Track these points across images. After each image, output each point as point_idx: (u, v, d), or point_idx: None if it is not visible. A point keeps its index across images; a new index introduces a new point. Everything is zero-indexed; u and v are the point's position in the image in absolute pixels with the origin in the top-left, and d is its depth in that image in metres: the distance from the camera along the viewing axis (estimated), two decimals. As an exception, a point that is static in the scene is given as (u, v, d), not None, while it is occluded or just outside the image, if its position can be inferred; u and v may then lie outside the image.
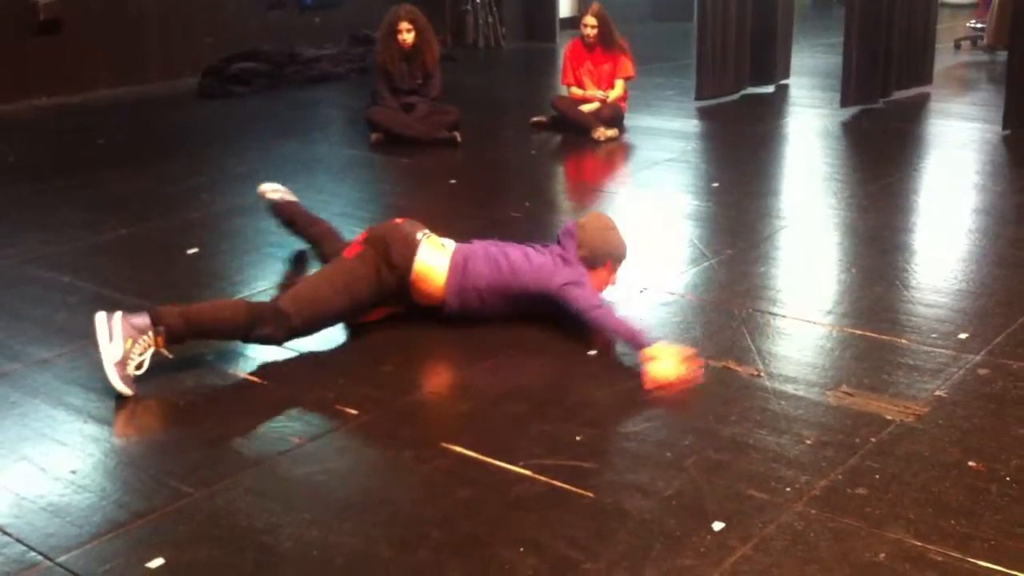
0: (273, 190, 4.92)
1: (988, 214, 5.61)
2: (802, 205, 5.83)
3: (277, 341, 3.79)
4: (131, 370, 3.51)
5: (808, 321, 4.09)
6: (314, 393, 3.55)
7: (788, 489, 2.92)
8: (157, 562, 2.63)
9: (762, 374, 3.62)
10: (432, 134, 7.16)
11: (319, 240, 4.57)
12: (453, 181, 6.43)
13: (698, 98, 8.52)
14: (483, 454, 3.12)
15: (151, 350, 3.57)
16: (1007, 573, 2.56)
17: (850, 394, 3.46)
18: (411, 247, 3.96)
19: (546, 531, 2.74)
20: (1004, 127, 7.31)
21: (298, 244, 4.84)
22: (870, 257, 4.91)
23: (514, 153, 7.29)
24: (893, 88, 8.50)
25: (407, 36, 7.12)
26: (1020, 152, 6.91)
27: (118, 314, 3.56)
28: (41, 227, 5.41)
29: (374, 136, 7.23)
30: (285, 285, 4.41)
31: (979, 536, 2.70)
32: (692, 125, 7.99)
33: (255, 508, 2.87)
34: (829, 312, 4.19)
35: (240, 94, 9.15)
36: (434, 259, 3.98)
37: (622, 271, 4.22)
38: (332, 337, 3.94)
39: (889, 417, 3.30)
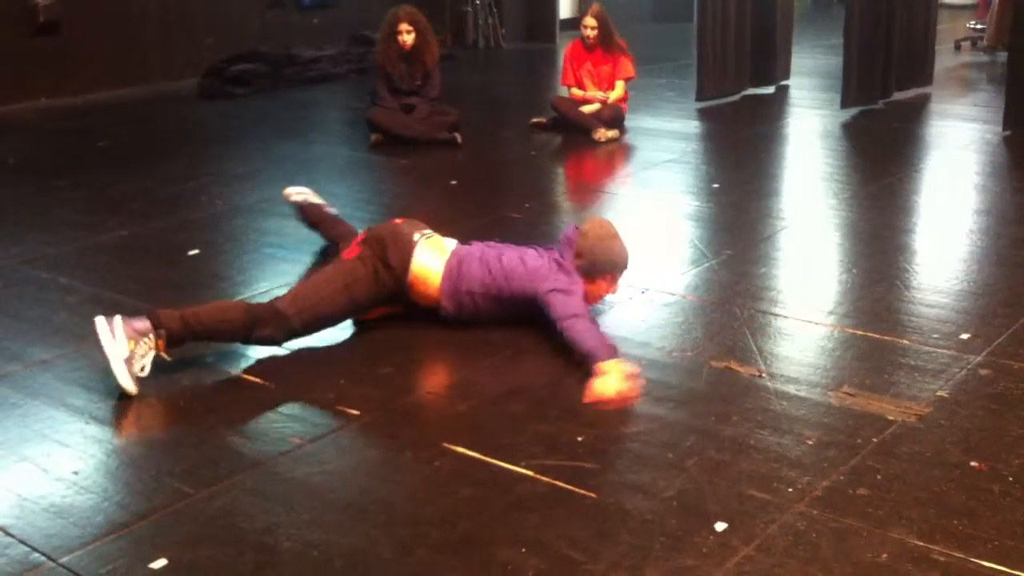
0: (297, 193, 4.93)
1: (989, 214, 5.61)
2: (803, 206, 5.83)
3: (277, 342, 3.80)
4: (136, 370, 3.52)
5: (809, 321, 4.09)
6: (314, 393, 3.55)
7: (790, 489, 2.91)
8: (159, 563, 2.63)
9: (764, 375, 3.62)
10: (432, 135, 7.15)
11: (341, 240, 4.57)
12: (453, 182, 6.43)
13: (698, 99, 8.52)
14: (484, 454, 3.12)
15: (152, 353, 3.58)
16: (1009, 573, 2.56)
17: (852, 394, 3.46)
18: (408, 248, 3.96)
19: (547, 531, 2.74)
20: (1004, 128, 7.31)
21: (305, 246, 4.84)
22: (871, 257, 4.91)
23: (514, 154, 7.29)
24: (893, 89, 8.50)
25: (407, 37, 7.11)
26: (1020, 153, 6.91)
27: (118, 317, 3.56)
28: (41, 228, 5.41)
29: (374, 137, 7.23)
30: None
31: (981, 536, 2.69)
32: (692, 126, 7.99)
33: (256, 508, 2.87)
34: (830, 312, 4.19)
35: (240, 95, 9.15)
36: (431, 261, 3.98)
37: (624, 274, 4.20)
38: (332, 337, 3.94)
39: (891, 417, 3.30)
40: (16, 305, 4.38)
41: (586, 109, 7.50)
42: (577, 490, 2.93)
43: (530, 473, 3.01)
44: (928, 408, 3.36)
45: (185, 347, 3.70)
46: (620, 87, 7.64)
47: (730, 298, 4.34)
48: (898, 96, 8.54)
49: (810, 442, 3.17)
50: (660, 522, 2.77)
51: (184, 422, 3.43)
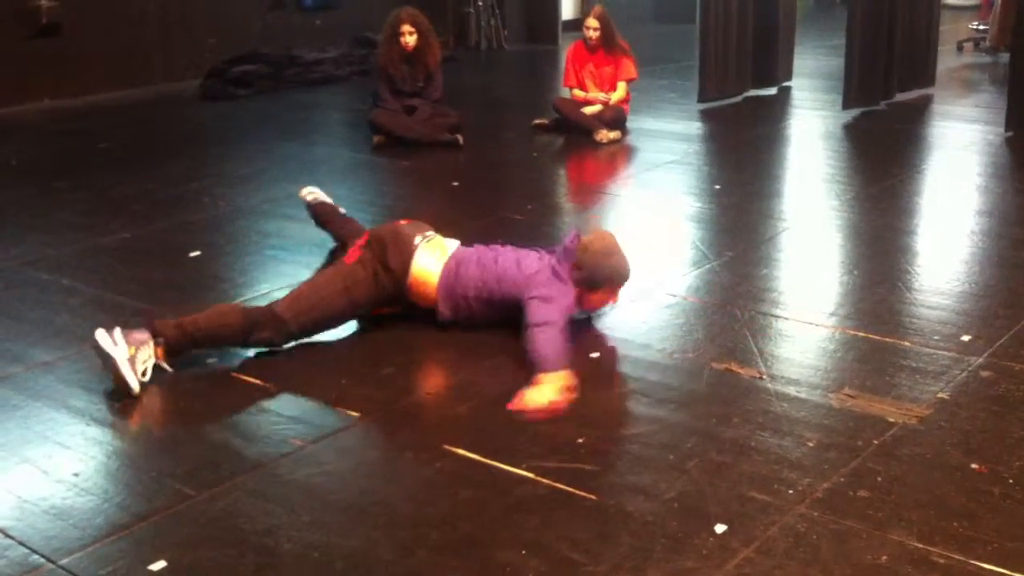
0: (308, 192, 4.93)
1: (991, 215, 5.61)
2: (804, 207, 5.83)
3: (275, 344, 3.81)
4: (138, 373, 3.55)
5: (810, 323, 4.09)
6: (315, 395, 3.55)
7: (790, 491, 2.91)
8: (159, 564, 2.63)
9: (764, 376, 3.62)
10: (434, 136, 7.16)
11: (348, 239, 4.56)
12: (455, 183, 6.43)
13: (700, 100, 8.52)
14: (484, 456, 3.12)
15: (152, 360, 3.62)
16: (1009, 575, 2.55)
17: (852, 396, 3.46)
18: (408, 251, 3.96)
19: (548, 533, 2.74)
20: (1006, 129, 7.31)
21: (306, 248, 4.84)
22: (872, 259, 4.91)
23: (516, 155, 7.29)
24: (895, 90, 8.49)
25: (409, 38, 7.12)
26: (1022, 154, 6.91)
27: (117, 329, 3.59)
28: (43, 229, 5.41)
29: (376, 138, 7.23)
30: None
31: (981, 538, 2.69)
32: (694, 127, 7.99)
33: (256, 510, 2.87)
34: (831, 314, 4.19)
35: (242, 96, 9.16)
36: (431, 263, 3.98)
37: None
38: (333, 338, 3.94)
39: (891, 419, 3.30)
40: (18, 307, 4.39)
41: (588, 110, 7.50)
42: (578, 492, 2.93)
43: (530, 475, 3.01)
44: (929, 410, 3.36)
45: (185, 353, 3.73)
46: (622, 88, 7.64)
47: (731, 299, 4.34)
48: (900, 97, 8.53)
49: (811, 444, 3.17)
50: (661, 524, 2.77)
51: (185, 424, 3.43)
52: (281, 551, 2.70)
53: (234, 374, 3.72)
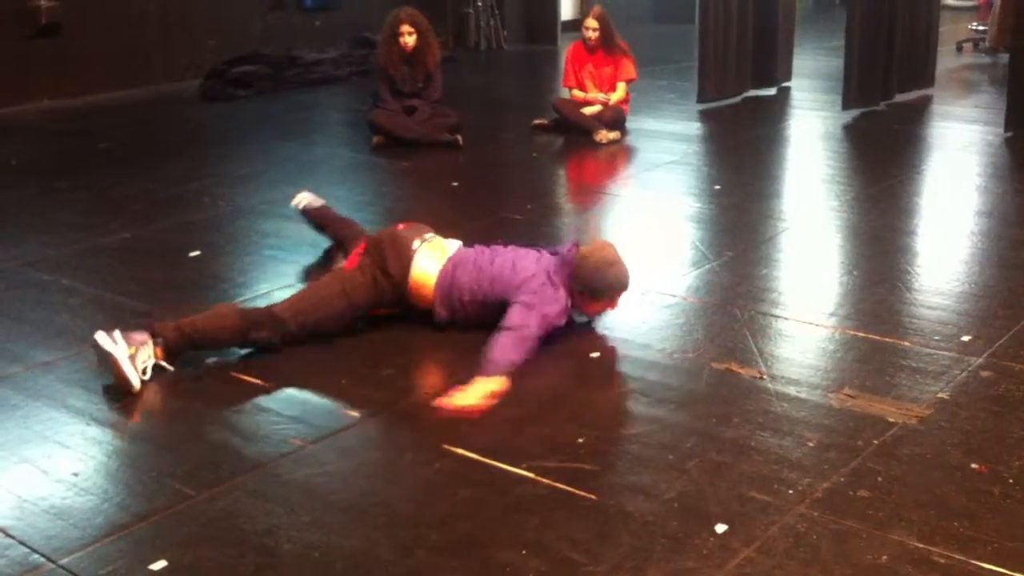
0: (299, 200, 4.96)
1: (990, 216, 5.61)
2: (804, 207, 5.83)
3: (274, 344, 3.82)
4: (138, 370, 3.56)
5: (810, 323, 4.09)
6: (315, 395, 3.55)
7: (791, 491, 2.91)
8: (159, 564, 2.63)
9: (764, 376, 3.62)
10: (433, 136, 7.16)
11: (347, 241, 4.56)
12: (455, 184, 6.43)
13: (700, 101, 8.52)
14: (484, 456, 3.12)
15: (152, 360, 3.63)
16: (1009, 575, 2.55)
17: (852, 396, 3.46)
18: (407, 256, 3.96)
19: (548, 533, 2.74)
20: (1006, 129, 7.31)
21: (306, 248, 4.84)
22: (872, 259, 4.91)
23: (516, 156, 7.29)
24: (895, 91, 8.49)
25: (408, 39, 7.12)
26: (1022, 154, 6.91)
27: (116, 332, 3.60)
28: (43, 230, 5.41)
29: (375, 139, 7.23)
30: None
31: (981, 538, 2.69)
32: (694, 127, 7.99)
33: (256, 510, 2.87)
34: (831, 314, 4.19)
35: (242, 97, 9.16)
36: (429, 266, 3.98)
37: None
38: (333, 339, 3.94)
39: (891, 419, 3.30)
40: (18, 307, 4.38)
41: (587, 111, 7.50)
42: (577, 492, 2.93)
43: (530, 475, 3.02)
44: (929, 410, 3.36)
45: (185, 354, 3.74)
46: (621, 89, 7.64)
47: (731, 300, 4.34)
48: (899, 98, 8.53)
49: (811, 444, 3.17)
50: (661, 524, 2.77)
51: (185, 423, 3.43)
52: (281, 551, 2.70)
53: (234, 374, 3.72)
